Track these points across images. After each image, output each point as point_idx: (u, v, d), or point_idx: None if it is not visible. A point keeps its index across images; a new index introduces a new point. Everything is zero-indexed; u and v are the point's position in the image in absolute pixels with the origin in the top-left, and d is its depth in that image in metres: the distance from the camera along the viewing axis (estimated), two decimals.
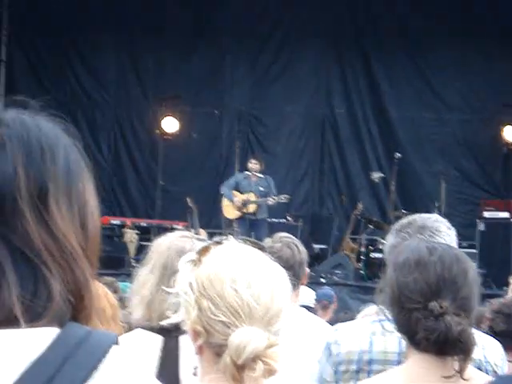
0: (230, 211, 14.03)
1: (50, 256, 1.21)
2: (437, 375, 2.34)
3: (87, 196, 1.29)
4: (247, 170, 14.04)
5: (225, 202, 14.08)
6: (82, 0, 15.77)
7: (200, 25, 16.26)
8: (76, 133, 1.31)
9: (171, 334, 2.96)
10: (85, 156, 1.31)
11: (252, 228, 13.82)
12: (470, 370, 2.38)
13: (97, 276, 1.31)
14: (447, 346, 2.31)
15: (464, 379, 2.32)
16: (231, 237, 1.99)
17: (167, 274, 2.98)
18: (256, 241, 1.99)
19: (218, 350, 1.82)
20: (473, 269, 2.45)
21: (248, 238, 2.01)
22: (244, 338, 1.78)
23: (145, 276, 3.08)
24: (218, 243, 1.95)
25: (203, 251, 1.93)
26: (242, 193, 13.92)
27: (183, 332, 2.85)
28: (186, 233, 3.24)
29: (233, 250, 1.91)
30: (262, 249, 1.95)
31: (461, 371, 2.32)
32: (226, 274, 1.85)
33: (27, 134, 1.25)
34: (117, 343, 1.22)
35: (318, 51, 16.30)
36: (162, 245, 3.14)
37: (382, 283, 2.52)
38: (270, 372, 1.78)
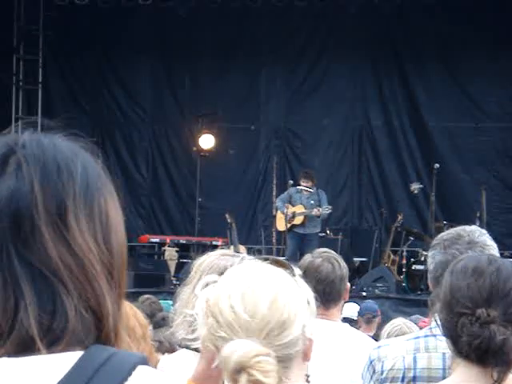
0: (281, 224, 14.11)
1: (69, 274, 1.20)
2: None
3: (110, 211, 1.26)
4: (299, 185, 14.10)
5: (278, 215, 14.19)
6: (117, 18, 15.87)
7: (235, 40, 16.30)
8: (95, 148, 1.29)
9: None
10: (106, 171, 1.29)
11: (301, 242, 13.81)
12: None
13: (127, 293, 1.29)
14: (489, 354, 2.30)
15: None
16: (251, 257, 2.00)
17: None
18: (278, 258, 1.97)
19: None
20: None
21: (270, 256, 1.99)
22: (229, 350, 1.74)
23: (187, 295, 3.07)
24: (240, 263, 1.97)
25: (221, 273, 1.96)
26: (293, 206, 13.98)
27: None
28: (227, 251, 3.24)
29: (242, 269, 1.90)
30: (283, 265, 1.92)
31: (499, 381, 2.30)
32: (225, 290, 1.86)
33: (43, 152, 1.24)
34: (143, 363, 1.20)
35: (353, 63, 16.27)
36: (203, 264, 3.13)
37: (433, 295, 2.57)
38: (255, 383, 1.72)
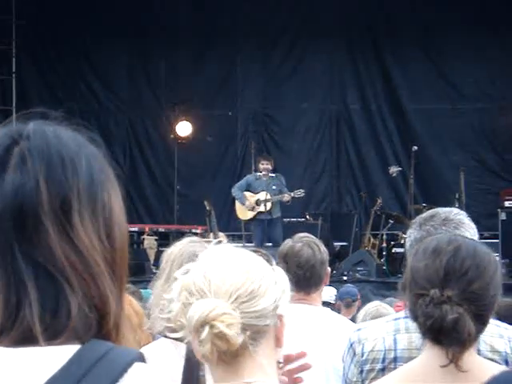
0: (243, 213, 14.00)
1: (73, 271, 1.20)
2: (436, 365, 2.34)
3: (113, 206, 1.26)
4: (258, 171, 13.98)
5: (237, 205, 14.05)
6: (90, 7, 15.75)
7: (210, 27, 16.22)
8: (100, 141, 1.28)
9: None
10: (111, 163, 1.29)
11: (267, 228, 13.76)
12: (477, 362, 2.36)
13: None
14: (442, 334, 2.29)
15: (461, 371, 2.30)
16: (226, 242, 2.03)
17: None
18: (258, 249, 2.04)
19: None
20: (493, 267, 2.40)
21: (249, 246, 2.01)
22: (194, 308, 1.80)
23: (161, 287, 3.07)
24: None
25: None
26: (254, 193, 13.88)
27: None
28: (195, 238, 3.25)
29: (217, 250, 1.94)
30: (260, 253, 1.97)
31: (454, 361, 2.30)
32: (200, 265, 1.89)
33: (47, 146, 1.23)
34: (140, 360, 1.20)
35: (329, 47, 16.23)
36: (172, 253, 3.15)
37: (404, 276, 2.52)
38: (219, 336, 1.77)
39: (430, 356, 2.37)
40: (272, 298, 1.86)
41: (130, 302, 3.65)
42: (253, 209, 13.83)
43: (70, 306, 1.19)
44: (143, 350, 3.22)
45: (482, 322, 2.34)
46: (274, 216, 13.83)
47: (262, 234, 13.83)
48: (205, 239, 3.29)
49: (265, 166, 13.86)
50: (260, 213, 13.82)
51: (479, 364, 2.38)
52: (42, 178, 1.21)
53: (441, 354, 2.33)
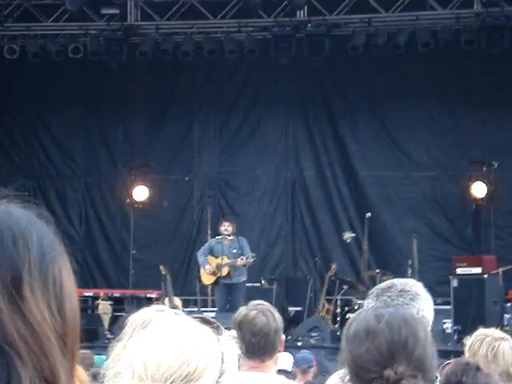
0: (206, 278, 14.08)
1: (24, 345, 1.20)
2: None
3: (64, 280, 1.27)
4: (220, 234, 14.07)
5: (202, 270, 14.13)
6: (46, 75, 15.83)
7: (166, 94, 16.40)
8: (49, 216, 1.30)
9: None
10: (60, 237, 1.30)
11: (229, 293, 13.80)
12: None
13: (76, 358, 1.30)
14: None
15: None
16: (177, 312, 2.02)
17: None
18: (206, 317, 2.03)
19: None
20: (423, 328, 2.45)
21: (198, 315, 2.04)
22: None
23: (119, 350, 3.07)
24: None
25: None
26: (216, 257, 13.94)
27: None
28: (162, 307, 3.24)
29: (160, 322, 1.93)
30: (208, 323, 1.96)
31: None
32: (140, 343, 1.87)
33: None
34: None
35: (284, 114, 16.48)
36: (136, 319, 3.14)
37: (341, 356, 2.52)
38: None
39: None
40: (211, 379, 1.83)
41: (77, 369, 3.64)
42: (213, 273, 13.88)
43: (20, 379, 1.18)
44: None
45: None
46: (235, 281, 13.88)
47: (223, 298, 13.85)
48: (173, 309, 3.30)
49: (225, 227, 13.97)
50: (222, 277, 13.87)
51: None
52: None
53: None
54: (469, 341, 4.31)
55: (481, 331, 4.33)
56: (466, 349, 4.26)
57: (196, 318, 1.94)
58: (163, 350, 1.83)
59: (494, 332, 4.32)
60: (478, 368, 3.83)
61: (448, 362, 4.10)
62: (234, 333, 4.18)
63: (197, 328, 1.89)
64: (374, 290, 3.37)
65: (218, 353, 1.86)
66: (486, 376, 3.77)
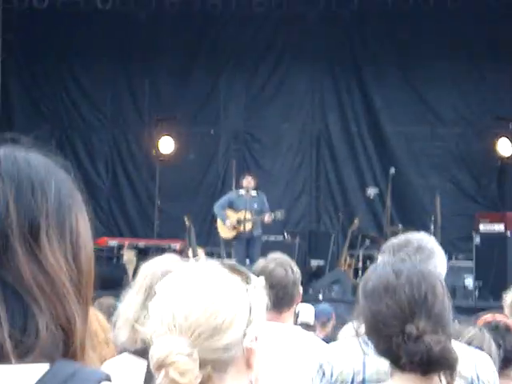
0: (225, 231, 14.09)
1: (40, 292, 1.23)
2: None
3: (80, 229, 1.30)
4: (241, 188, 14.10)
5: (219, 223, 14.15)
6: (76, 25, 15.86)
7: (193, 46, 16.38)
8: (68, 165, 1.33)
9: None
10: (77, 183, 1.33)
11: (248, 246, 13.87)
12: None
13: (93, 301, 1.35)
14: (431, 365, 2.33)
15: None
16: (205, 258, 2.02)
17: (151, 296, 3.01)
18: (234, 264, 1.98)
19: None
20: (441, 283, 2.49)
21: (226, 261, 2.03)
22: (154, 347, 1.80)
23: (130, 298, 3.12)
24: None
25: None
26: (236, 211, 13.98)
27: None
28: (173, 256, 3.28)
29: (187, 272, 1.92)
30: (236, 271, 1.94)
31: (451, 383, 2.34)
32: (167, 293, 1.89)
33: (18, 170, 1.26)
34: (107, 379, 1.24)
35: (311, 69, 16.42)
36: (148, 268, 3.19)
37: (357, 310, 2.54)
38: (173, 381, 1.76)
39: (402, 381, 2.39)
40: (239, 330, 1.83)
41: (97, 317, 3.70)
42: (234, 228, 13.94)
43: (38, 324, 1.21)
44: (107, 364, 3.24)
45: (451, 340, 2.40)
46: (255, 234, 13.94)
47: (242, 252, 13.91)
48: (184, 257, 3.34)
49: (248, 182, 13.97)
50: (242, 232, 13.93)
51: None
52: (12, 202, 1.23)
53: (427, 382, 2.36)
54: (509, 297, 4.26)
55: None
56: (508, 304, 4.21)
57: (225, 265, 1.94)
58: (191, 301, 1.83)
59: None
60: (508, 329, 3.86)
61: (486, 314, 4.06)
62: (262, 280, 4.24)
63: (225, 278, 1.88)
64: (390, 245, 3.41)
65: (246, 304, 1.86)
66: None
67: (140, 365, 3.02)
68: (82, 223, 1.30)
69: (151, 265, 3.21)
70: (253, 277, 1.93)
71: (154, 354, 1.78)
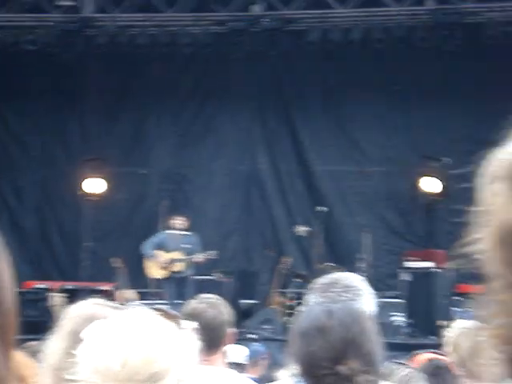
0: (154, 271, 13.97)
1: None
2: None
3: (1, 273, 1.30)
4: (172, 228, 14.01)
5: (148, 263, 14.01)
6: (1, 65, 15.69)
7: (122, 87, 16.35)
8: None
9: None
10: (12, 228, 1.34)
11: (179, 286, 13.77)
12: None
13: (18, 346, 1.34)
14: None
15: None
16: (138, 305, 2.00)
17: (75, 341, 2.82)
18: (168, 310, 2.02)
19: None
20: (370, 323, 2.51)
21: (160, 307, 2.00)
22: None
23: (53, 344, 3.04)
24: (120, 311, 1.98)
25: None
26: (167, 251, 13.88)
27: None
28: (99, 300, 3.21)
29: (125, 317, 1.90)
30: (170, 317, 1.95)
31: None
32: (102, 339, 1.86)
33: None
34: None
35: (239, 108, 16.50)
36: (72, 312, 3.12)
37: (290, 351, 2.53)
38: None
39: None
40: (175, 376, 1.84)
41: (27, 363, 3.63)
42: (165, 268, 13.82)
43: None
44: None
45: (380, 379, 2.44)
46: (187, 274, 13.85)
47: (174, 292, 13.81)
48: (114, 299, 3.29)
49: (179, 222, 13.89)
50: (174, 272, 13.82)
51: None
52: None
53: None
54: (449, 334, 4.25)
55: (460, 324, 4.26)
56: (451, 342, 4.17)
57: (157, 310, 1.93)
58: (128, 349, 1.81)
59: (475, 325, 4.24)
60: (448, 369, 3.87)
61: (422, 353, 4.01)
62: (194, 324, 4.21)
63: (159, 324, 1.86)
64: (319, 284, 3.42)
65: (181, 350, 1.85)
66: (454, 378, 3.79)
67: None
68: (3, 267, 1.30)
69: (75, 309, 3.15)
70: (184, 321, 1.98)
71: None
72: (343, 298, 3.25)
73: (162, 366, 1.81)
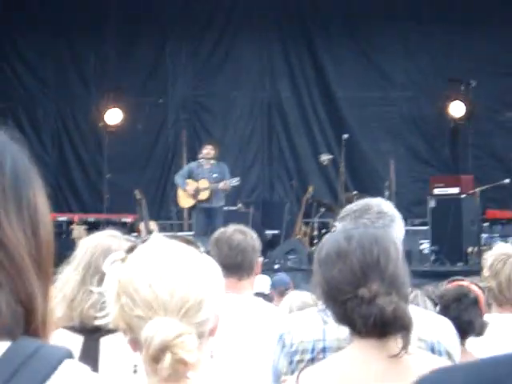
0: (184, 200, 13.95)
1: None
2: (380, 355, 2.37)
3: (38, 203, 1.28)
4: (201, 158, 13.92)
5: (179, 192, 13.98)
6: (17, 4, 15.47)
7: (139, 14, 16.07)
8: (22, 139, 1.30)
9: (92, 334, 2.95)
10: (33, 161, 1.30)
11: (208, 217, 13.72)
12: (415, 349, 2.45)
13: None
14: (385, 327, 2.35)
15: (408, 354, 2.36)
16: (158, 234, 1.97)
17: (90, 272, 2.99)
18: (185, 236, 1.99)
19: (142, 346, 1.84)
20: (394, 245, 2.50)
21: (177, 234, 1.98)
22: (151, 330, 1.78)
23: (68, 274, 3.05)
24: (144, 241, 1.94)
25: (129, 250, 1.93)
26: (195, 180, 13.81)
27: (106, 333, 2.81)
28: (114, 232, 3.18)
29: (153, 247, 1.90)
30: (189, 243, 1.93)
31: (404, 347, 2.35)
32: (142, 269, 1.85)
33: None
34: (69, 357, 1.23)
35: (260, 34, 16.21)
36: (87, 243, 3.11)
37: (314, 278, 2.55)
38: (180, 362, 1.77)
39: (364, 349, 2.40)
40: (214, 302, 1.87)
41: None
42: (193, 196, 13.77)
43: None
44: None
45: (406, 302, 2.42)
46: (215, 205, 13.78)
47: (202, 222, 13.76)
48: (135, 231, 3.24)
49: (208, 150, 13.84)
50: (201, 201, 13.76)
51: (418, 352, 2.46)
52: None
53: (378, 345, 2.38)
54: (489, 259, 4.18)
55: (501, 249, 4.19)
56: (487, 267, 4.13)
57: (177, 238, 1.93)
58: (172, 278, 1.83)
59: None
60: (475, 301, 3.81)
61: (457, 280, 3.99)
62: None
63: (191, 252, 1.90)
64: (350, 212, 3.34)
65: (215, 277, 1.90)
66: (476, 313, 3.75)
67: (77, 340, 2.97)
68: (40, 198, 1.29)
69: (91, 240, 3.14)
70: (202, 248, 1.95)
71: (155, 337, 1.77)
72: (378, 225, 3.19)
73: (206, 290, 1.85)
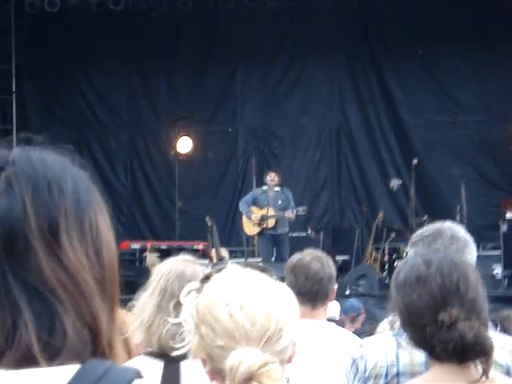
0: (249, 228, 14.01)
1: (63, 290, 1.22)
2: (460, 381, 2.35)
3: (100, 225, 1.28)
4: (265, 185, 14.01)
5: (244, 220, 14.06)
6: (89, 26, 15.77)
7: (209, 42, 16.27)
8: (84, 163, 1.31)
9: (172, 359, 2.96)
10: (96, 184, 1.31)
11: (274, 243, 13.77)
12: (495, 374, 2.41)
13: (120, 304, 1.31)
14: (466, 352, 2.32)
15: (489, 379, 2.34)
16: (231, 263, 2.01)
17: (166, 298, 3.02)
18: (258, 263, 2.04)
19: (223, 376, 1.83)
20: (473, 271, 2.49)
21: (250, 262, 2.00)
22: (237, 360, 1.77)
23: (144, 300, 3.09)
24: (219, 270, 1.96)
25: (205, 279, 1.95)
26: (260, 208, 13.87)
27: (184, 357, 2.79)
28: (189, 257, 3.23)
29: (230, 275, 1.91)
30: (264, 270, 1.95)
31: (485, 372, 2.32)
32: (221, 299, 1.86)
33: (33, 169, 1.25)
34: (138, 377, 1.24)
35: (329, 61, 16.25)
36: (162, 269, 3.14)
37: (391, 303, 2.56)
38: None
39: (443, 373, 2.38)
40: (292, 328, 1.86)
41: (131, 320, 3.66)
42: (259, 224, 13.84)
43: (64, 324, 1.20)
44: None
45: (486, 327, 2.40)
46: (280, 232, 13.83)
47: (268, 249, 13.83)
48: (207, 257, 3.30)
49: (271, 178, 13.90)
50: (266, 228, 13.82)
51: (498, 375, 2.43)
52: (29, 201, 1.22)
53: (459, 370, 2.36)
54: None
55: None
56: None
57: (251, 266, 1.95)
58: (253, 306, 1.83)
59: None
60: None
61: None
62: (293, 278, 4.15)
63: (267, 279, 1.90)
64: (422, 237, 3.34)
65: (291, 304, 1.90)
66: None
67: (157, 366, 3.02)
68: (102, 220, 1.29)
69: (165, 266, 3.17)
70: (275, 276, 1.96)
71: (240, 367, 1.76)
72: (450, 249, 3.19)
73: (285, 318, 1.85)
